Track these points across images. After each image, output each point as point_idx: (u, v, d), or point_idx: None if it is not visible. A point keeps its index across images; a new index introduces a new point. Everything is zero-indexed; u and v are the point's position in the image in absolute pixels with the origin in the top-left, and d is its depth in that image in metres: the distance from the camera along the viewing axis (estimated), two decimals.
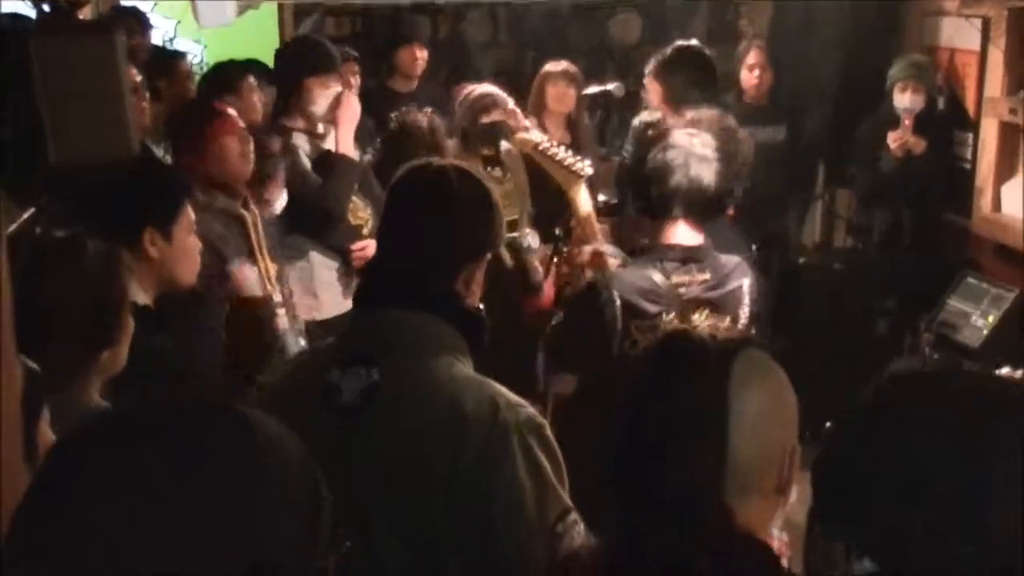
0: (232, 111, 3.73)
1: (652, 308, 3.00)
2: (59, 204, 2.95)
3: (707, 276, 3.06)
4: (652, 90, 4.66)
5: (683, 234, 3.07)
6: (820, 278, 5.79)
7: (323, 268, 4.37)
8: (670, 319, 2.93)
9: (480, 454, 1.88)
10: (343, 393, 1.97)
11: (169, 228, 2.82)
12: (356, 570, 1.84)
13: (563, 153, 3.65)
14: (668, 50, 4.66)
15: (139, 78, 4.20)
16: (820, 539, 1.26)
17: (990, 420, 1.22)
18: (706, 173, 3.03)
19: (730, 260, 3.16)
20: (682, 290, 3.03)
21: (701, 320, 2.84)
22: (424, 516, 1.89)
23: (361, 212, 4.47)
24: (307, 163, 4.30)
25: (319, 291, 4.35)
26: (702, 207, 3.07)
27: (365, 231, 4.46)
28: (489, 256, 2.15)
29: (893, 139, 5.22)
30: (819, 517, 1.29)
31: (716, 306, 3.01)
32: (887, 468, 1.21)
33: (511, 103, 5.00)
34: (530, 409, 1.98)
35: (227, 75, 4.92)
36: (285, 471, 1.10)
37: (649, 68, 4.67)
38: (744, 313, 3.10)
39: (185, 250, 2.87)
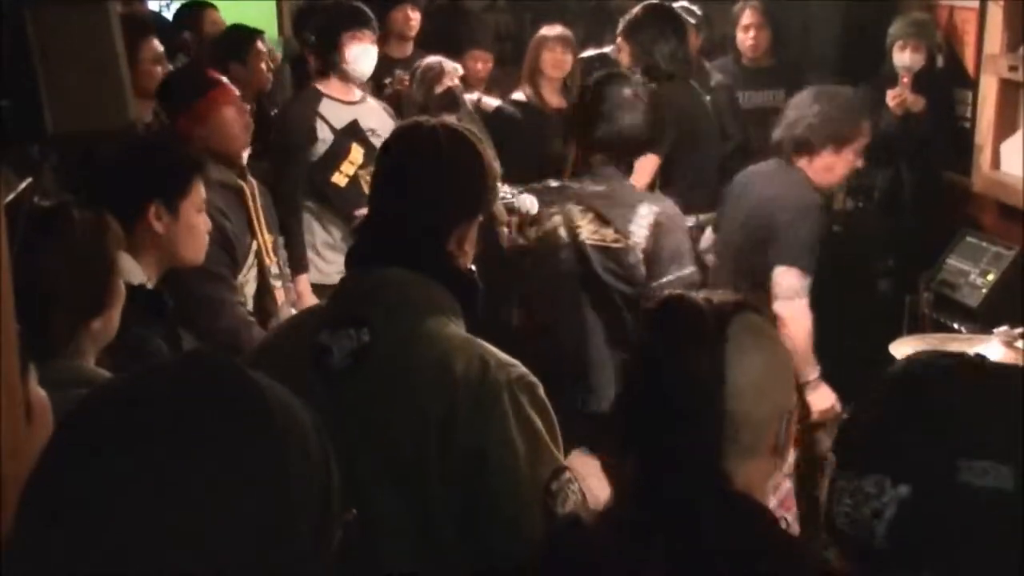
0: (226, 80, 3.70)
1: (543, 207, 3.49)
2: (57, 173, 2.96)
3: (601, 188, 3.43)
4: (623, 49, 4.69)
5: (598, 164, 3.47)
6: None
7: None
8: (553, 213, 3.44)
9: (471, 412, 1.88)
10: (333, 354, 1.96)
11: (176, 203, 2.80)
12: (353, 532, 1.88)
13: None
14: (637, 9, 4.69)
15: (160, 48, 4.22)
16: (847, 489, 1.32)
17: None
18: (628, 119, 3.42)
19: (643, 195, 3.60)
20: (571, 190, 3.49)
21: (585, 224, 3.37)
22: (418, 477, 1.89)
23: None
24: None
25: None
26: (620, 148, 3.46)
27: None
28: (481, 217, 2.14)
29: (892, 97, 5.20)
30: (842, 473, 1.35)
31: (602, 216, 3.38)
32: (915, 407, 1.33)
33: (459, 69, 5.09)
34: (521, 368, 1.97)
35: (235, 41, 4.92)
36: (302, 435, 1.10)
37: (619, 28, 4.68)
38: (636, 234, 3.35)
39: (191, 227, 2.85)
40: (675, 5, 5.52)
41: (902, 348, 4.02)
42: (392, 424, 1.91)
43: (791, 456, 1.86)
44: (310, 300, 4.16)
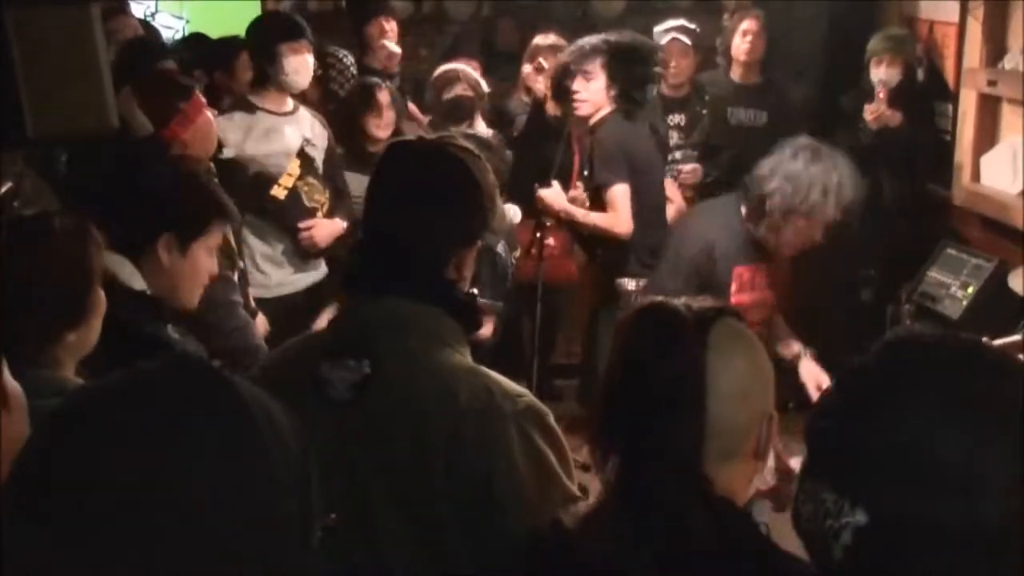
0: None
1: None
2: (45, 178, 2.94)
3: None
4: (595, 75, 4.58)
5: None
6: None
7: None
8: None
9: (476, 441, 1.83)
10: (334, 386, 1.91)
11: (189, 242, 2.75)
12: (360, 564, 1.85)
13: None
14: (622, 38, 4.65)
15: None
16: (811, 493, 1.24)
17: (988, 385, 1.21)
18: None
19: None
20: None
21: None
22: (423, 507, 1.85)
23: (318, 195, 4.50)
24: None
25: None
26: None
27: (320, 215, 4.49)
28: (481, 242, 2.08)
29: (868, 112, 5.24)
30: (811, 472, 1.27)
31: None
32: (882, 424, 1.21)
33: (476, 79, 5.02)
34: (529, 398, 1.92)
35: (222, 50, 4.96)
36: (280, 434, 1.11)
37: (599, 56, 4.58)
38: None
39: (196, 270, 2.78)
40: (674, 24, 5.59)
41: None
42: (396, 454, 1.87)
43: (771, 460, 1.87)
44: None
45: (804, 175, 3.63)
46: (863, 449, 1.22)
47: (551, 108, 5.24)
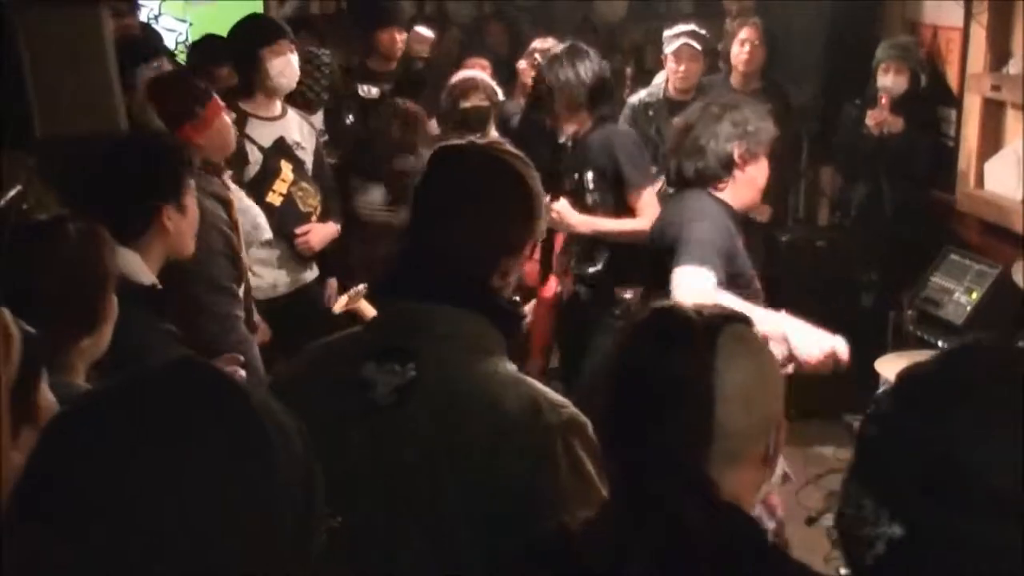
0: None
1: None
2: (45, 182, 2.94)
3: None
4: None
5: None
6: (804, 254, 5.82)
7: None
8: None
9: (521, 455, 1.81)
10: (378, 388, 1.88)
11: (181, 200, 2.82)
12: (384, 567, 1.84)
13: None
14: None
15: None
16: (854, 496, 1.24)
17: None
18: None
19: None
20: None
21: None
22: (458, 516, 1.83)
23: (312, 200, 4.46)
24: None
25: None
26: None
27: (314, 218, 4.47)
28: (528, 251, 2.04)
29: (871, 117, 5.25)
30: (855, 475, 1.26)
31: None
32: (932, 438, 1.18)
33: (493, 87, 4.99)
34: (572, 409, 1.90)
35: (224, 47, 4.88)
36: (286, 436, 1.11)
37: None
38: None
39: (193, 218, 2.88)
40: (685, 29, 5.59)
41: (888, 365, 4.03)
42: (436, 461, 1.84)
43: (780, 467, 1.86)
44: None
45: (731, 122, 3.48)
46: (909, 462, 1.20)
47: None
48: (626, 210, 4.33)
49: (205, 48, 5.05)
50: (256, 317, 3.76)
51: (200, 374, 1.12)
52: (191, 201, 2.86)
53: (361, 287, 3.60)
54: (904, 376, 1.29)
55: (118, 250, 2.41)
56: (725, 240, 3.38)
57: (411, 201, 2.06)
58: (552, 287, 4.88)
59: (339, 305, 3.66)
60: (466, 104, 4.80)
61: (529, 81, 5.29)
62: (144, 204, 2.71)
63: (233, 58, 4.58)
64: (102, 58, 1.92)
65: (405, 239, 2.05)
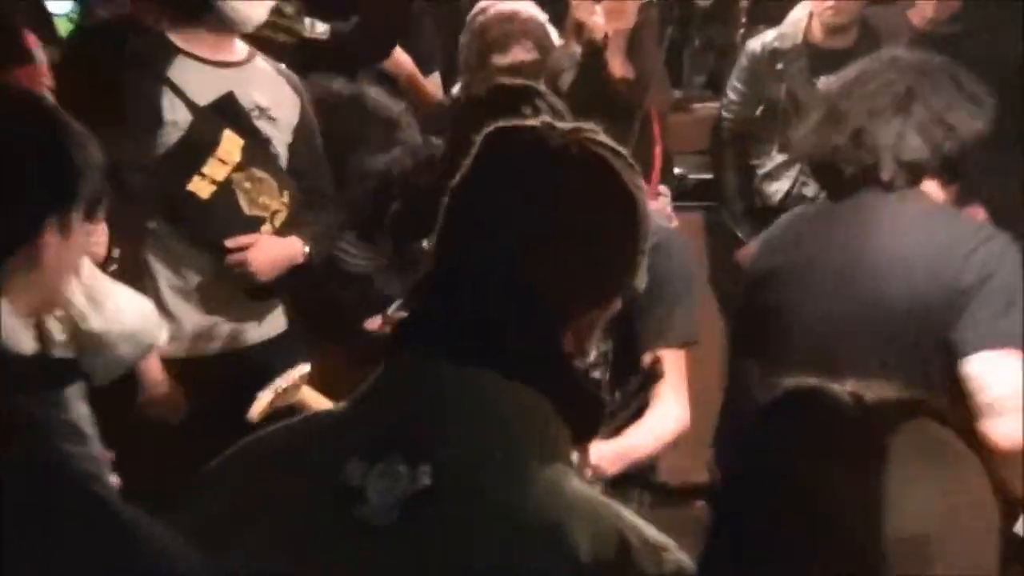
0: None
1: None
2: None
3: None
4: None
5: None
6: None
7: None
8: None
9: None
10: (369, 501, 1.28)
11: (71, 212, 1.81)
12: None
13: None
14: None
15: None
16: None
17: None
18: None
19: None
20: None
21: None
22: None
23: (269, 198, 2.98)
24: None
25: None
26: None
27: (267, 228, 2.97)
28: (621, 303, 1.43)
29: None
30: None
31: None
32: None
33: (544, 29, 3.45)
34: (676, 555, 1.30)
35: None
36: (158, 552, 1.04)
37: None
38: None
39: (77, 246, 1.87)
40: None
41: None
42: None
43: None
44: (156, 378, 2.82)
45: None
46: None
47: (620, 71, 3.62)
48: None
49: None
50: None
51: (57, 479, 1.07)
52: (79, 220, 1.83)
53: (301, 368, 2.33)
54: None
55: None
56: None
57: (444, 209, 1.40)
58: None
59: (259, 406, 2.27)
60: (502, 60, 3.29)
61: (589, 19, 3.59)
62: (25, 217, 1.73)
63: None
64: None
65: (433, 264, 1.42)
